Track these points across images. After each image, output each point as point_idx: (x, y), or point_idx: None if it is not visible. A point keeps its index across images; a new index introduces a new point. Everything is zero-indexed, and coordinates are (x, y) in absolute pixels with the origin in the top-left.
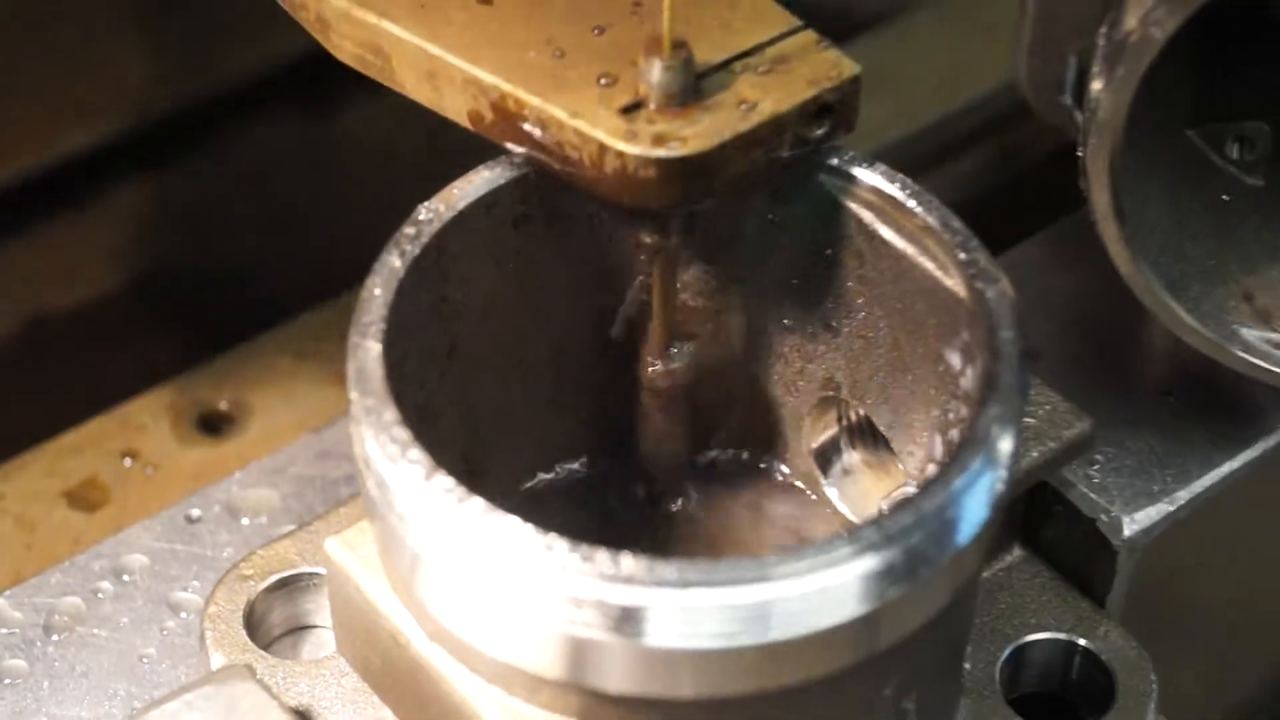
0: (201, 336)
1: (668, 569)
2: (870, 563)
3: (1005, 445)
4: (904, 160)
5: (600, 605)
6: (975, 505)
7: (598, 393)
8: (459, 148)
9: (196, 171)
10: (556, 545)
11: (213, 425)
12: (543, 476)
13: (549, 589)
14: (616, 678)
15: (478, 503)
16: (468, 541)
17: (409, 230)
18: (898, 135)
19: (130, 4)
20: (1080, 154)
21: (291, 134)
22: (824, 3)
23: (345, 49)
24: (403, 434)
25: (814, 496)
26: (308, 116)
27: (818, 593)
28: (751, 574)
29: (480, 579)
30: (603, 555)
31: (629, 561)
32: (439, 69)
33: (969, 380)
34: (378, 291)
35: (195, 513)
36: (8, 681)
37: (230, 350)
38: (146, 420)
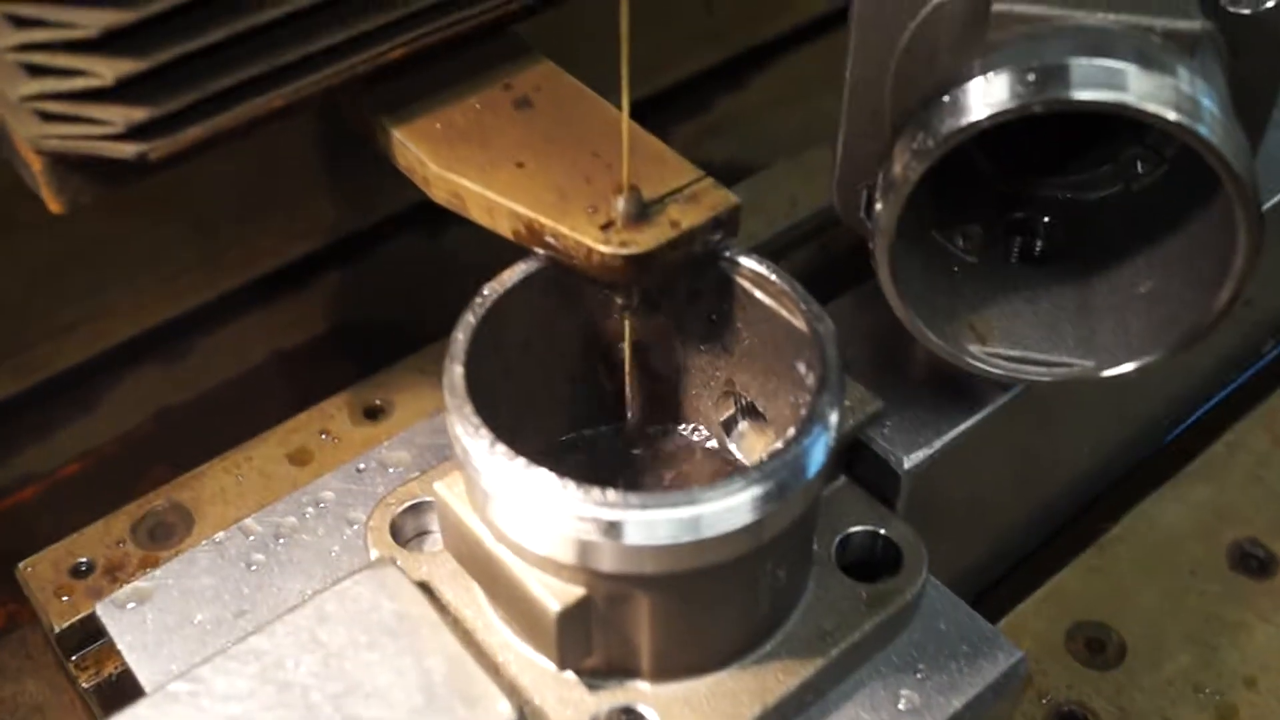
0: (365, 361)
1: (633, 498)
2: (756, 490)
3: (832, 418)
4: (771, 250)
5: (594, 520)
6: (816, 454)
7: (597, 390)
8: (510, 249)
9: (362, 270)
10: (568, 484)
11: (372, 414)
12: (567, 437)
13: (565, 510)
14: (607, 563)
15: (521, 460)
16: (516, 483)
17: (478, 300)
18: (767, 236)
19: (326, 166)
20: (871, 247)
21: (418, 247)
22: (723, 160)
23: (439, 196)
24: (476, 419)
25: (722, 450)
26: (426, 236)
27: (725, 510)
28: (685, 500)
29: (524, 504)
30: (595, 490)
31: (611, 494)
32: (495, 206)
33: (811, 380)
34: (460, 336)
35: (361, 466)
36: (254, 567)
37: (381, 370)
38: (334, 411)
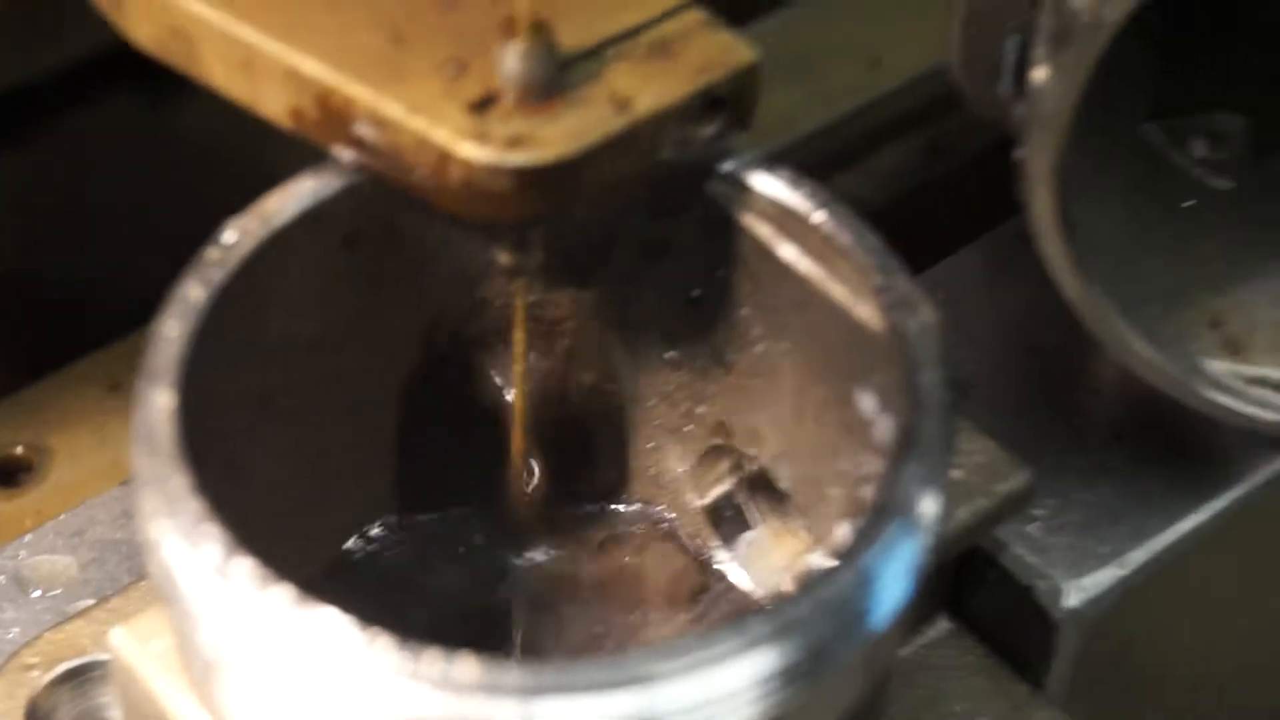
0: (13, 355)
1: (512, 674)
2: (765, 660)
3: (928, 508)
4: (817, 158)
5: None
6: (892, 582)
7: (448, 436)
8: (302, 148)
9: (17, 168)
10: (381, 643)
11: (5, 474)
12: (391, 526)
13: (373, 701)
14: None
15: (285, 591)
16: (273, 639)
17: (213, 254)
18: (810, 127)
19: None
20: (1018, 154)
21: (124, 123)
22: None
23: (143, 31)
24: (195, 506)
25: (703, 560)
26: (144, 103)
27: (699, 701)
28: (617, 677)
29: (290, 685)
30: (434, 656)
31: (467, 665)
32: (253, 58)
33: (884, 430)
34: (173, 331)
35: None
36: None
37: (30, 384)
38: None
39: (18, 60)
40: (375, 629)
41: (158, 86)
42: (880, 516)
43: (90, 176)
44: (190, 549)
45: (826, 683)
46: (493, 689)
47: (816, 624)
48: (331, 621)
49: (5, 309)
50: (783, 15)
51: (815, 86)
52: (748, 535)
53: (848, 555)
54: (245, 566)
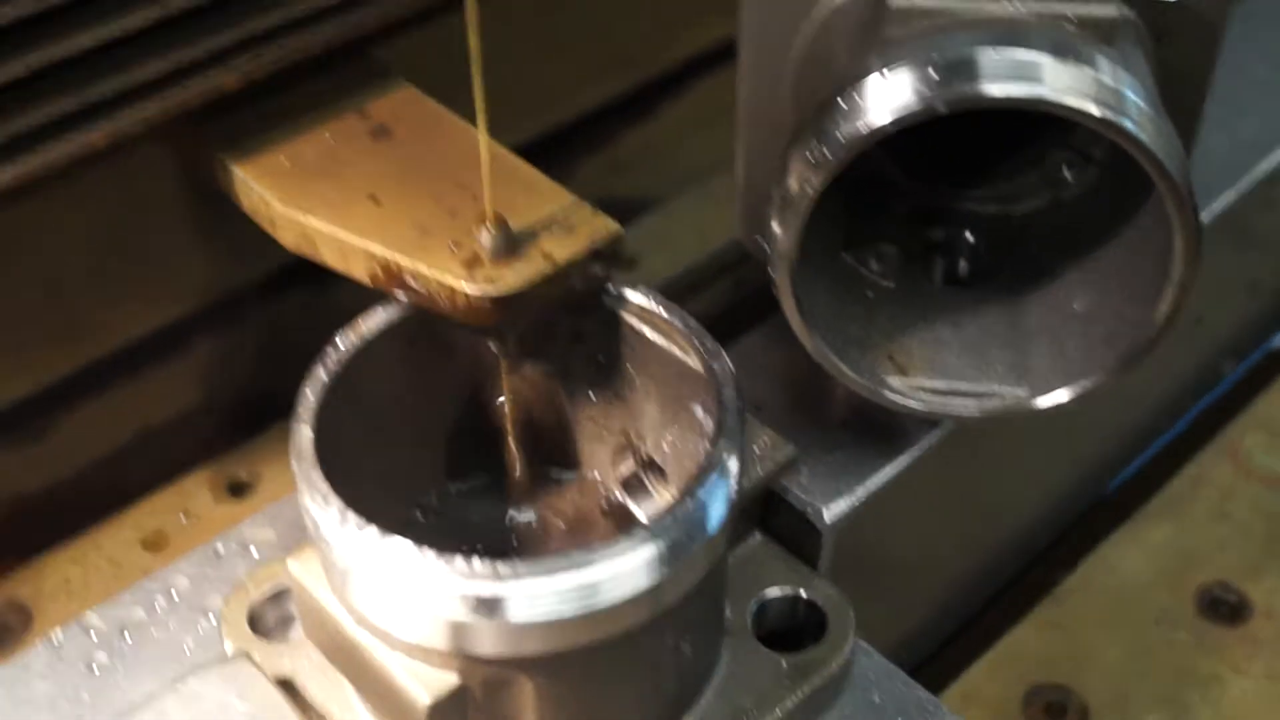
0: (229, 434)
1: (506, 568)
2: (646, 551)
3: (733, 466)
4: (673, 290)
5: (462, 597)
6: (715, 507)
7: (474, 442)
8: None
9: (243, 333)
10: (428, 554)
11: (237, 490)
12: (445, 497)
13: (427, 585)
14: (483, 645)
15: (372, 530)
16: (370, 557)
17: (330, 351)
18: (671, 274)
19: (199, 214)
20: (772, 274)
21: (307, 302)
22: (629, 195)
23: (288, 239)
24: (324, 487)
25: (624, 509)
26: (316, 295)
27: (611, 576)
28: (567, 565)
29: (381, 583)
30: (459, 560)
31: (479, 564)
32: (347, 248)
33: (709, 426)
34: (309, 394)
35: (220, 548)
36: (96, 669)
37: (247, 441)
38: (195, 489)
39: (235, 270)
40: (425, 547)
41: (323, 282)
42: (706, 471)
43: (290, 337)
44: (324, 511)
45: (684, 564)
46: (495, 576)
47: (675, 529)
48: (402, 545)
49: (248, 406)
50: (651, 215)
51: (670, 253)
52: (644, 493)
53: (690, 491)
54: (353, 519)
